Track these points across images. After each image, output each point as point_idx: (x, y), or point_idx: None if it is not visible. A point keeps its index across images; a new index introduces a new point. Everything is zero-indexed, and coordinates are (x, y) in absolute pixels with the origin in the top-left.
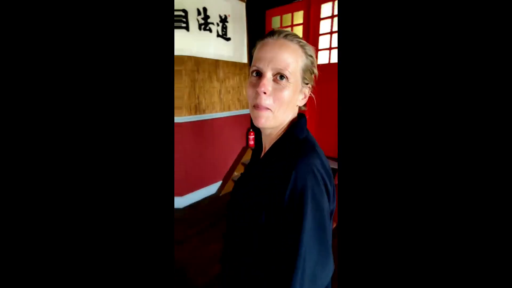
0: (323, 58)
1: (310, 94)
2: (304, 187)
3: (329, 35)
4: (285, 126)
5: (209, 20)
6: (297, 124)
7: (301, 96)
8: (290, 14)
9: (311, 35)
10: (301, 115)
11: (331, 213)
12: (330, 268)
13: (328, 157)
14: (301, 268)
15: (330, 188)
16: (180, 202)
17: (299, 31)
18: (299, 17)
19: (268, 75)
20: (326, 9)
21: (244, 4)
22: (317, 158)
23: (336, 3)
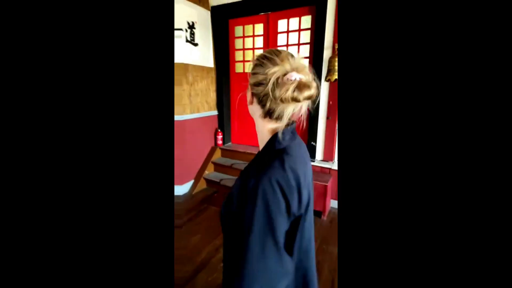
0: None
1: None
2: (258, 187)
3: (285, 47)
4: (266, 138)
5: (178, 26)
6: (274, 137)
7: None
8: (251, 25)
9: (270, 46)
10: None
11: (297, 216)
12: (278, 262)
13: None
14: (250, 249)
15: (291, 195)
16: None
17: (260, 41)
18: (259, 28)
19: None
20: (282, 25)
21: (209, 12)
22: (279, 170)
23: (290, 20)
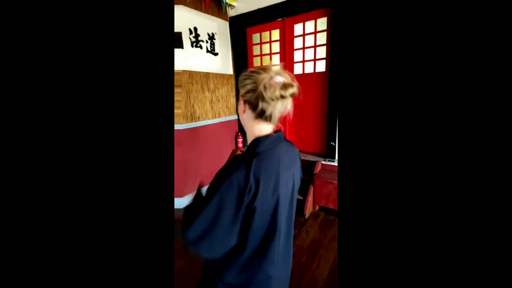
0: (298, 69)
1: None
2: (225, 178)
3: (302, 50)
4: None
5: (199, 38)
6: (254, 142)
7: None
8: (268, 32)
9: (287, 50)
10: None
11: (251, 209)
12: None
13: (305, 152)
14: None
15: (247, 191)
16: (182, 202)
17: (276, 46)
18: (276, 34)
19: None
20: (298, 29)
21: (227, 23)
22: (243, 171)
23: (306, 23)
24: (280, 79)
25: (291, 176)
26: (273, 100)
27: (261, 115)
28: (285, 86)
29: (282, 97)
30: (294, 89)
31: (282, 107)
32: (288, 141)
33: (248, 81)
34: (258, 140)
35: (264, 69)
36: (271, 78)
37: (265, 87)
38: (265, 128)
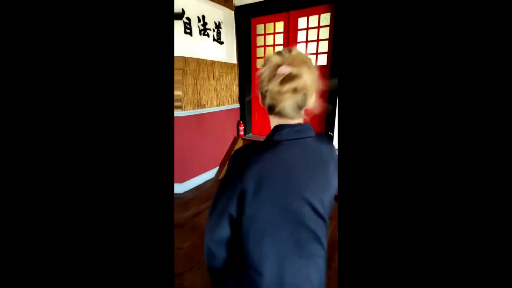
0: None
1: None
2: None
3: (305, 43)
4: None
5: (207, 26)
6: (271, 131)
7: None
8: (272, 23)
9: (290, 42)
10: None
11: (239, 191)
12: (211, 222)
13: None
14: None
15: (236, 177)
16: (187, 185)
17: (280, 38)
18: (280, 26)
19: None
20: (302, 22)
21: (233, 12)
22: (241, 155)
23: (310, 18)
24: (285, 70)
25: (312, 192)
26: (278, 94)
27: (271, 110)
28: (285, 79)
29: (278, 93)
30: (292, 85)
31: (293, 101)
32: (319, 138)
33: (262, 69)
34: (273, 130)
35: (280, 52)
36: (278, 67)
37: (269, 78)
38: (281, 122)
